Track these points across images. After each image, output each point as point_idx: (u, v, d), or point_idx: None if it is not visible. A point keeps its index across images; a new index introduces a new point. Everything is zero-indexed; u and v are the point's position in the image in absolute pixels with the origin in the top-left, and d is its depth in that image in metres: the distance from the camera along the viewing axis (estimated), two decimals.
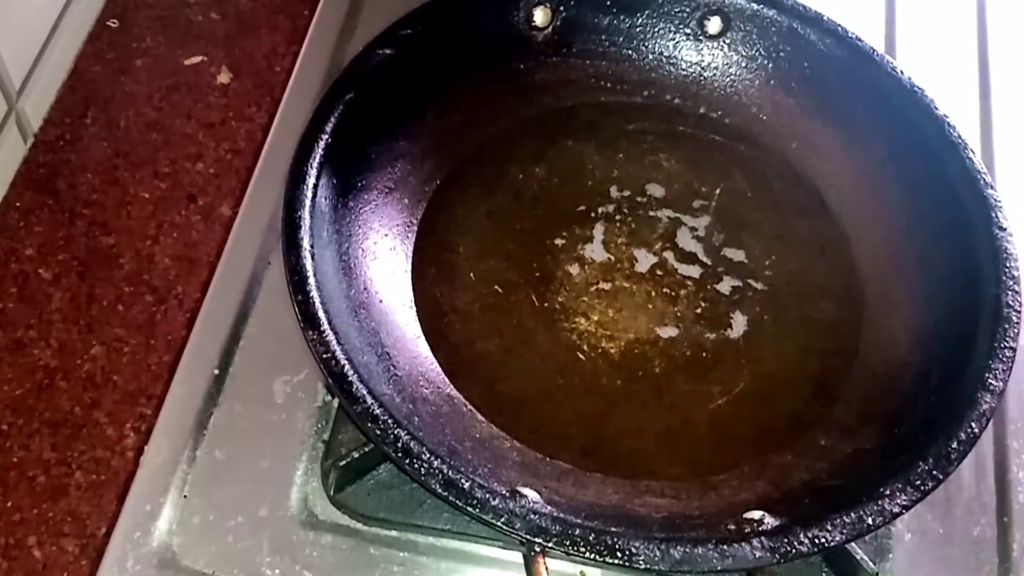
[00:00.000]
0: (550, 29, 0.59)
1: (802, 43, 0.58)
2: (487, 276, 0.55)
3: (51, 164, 0.98)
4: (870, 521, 0.42)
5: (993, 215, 0.51)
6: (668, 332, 0.54)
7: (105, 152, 0.99)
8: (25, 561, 0.79)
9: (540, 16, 0.58)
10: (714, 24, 0.59)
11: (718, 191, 0.58)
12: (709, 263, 0.56)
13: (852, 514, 0.43)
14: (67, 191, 0.96)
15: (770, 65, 0.59)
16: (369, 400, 0.44)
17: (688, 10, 0.59)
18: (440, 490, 0.42)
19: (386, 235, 0.54)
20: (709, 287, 0.55)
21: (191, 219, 0.96)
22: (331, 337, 0.45)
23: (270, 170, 0.60)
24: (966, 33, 0.70)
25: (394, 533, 0.49)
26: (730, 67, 0.60)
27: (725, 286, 0.55)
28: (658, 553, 0.41)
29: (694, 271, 0.56)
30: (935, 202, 0.54)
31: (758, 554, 0.41)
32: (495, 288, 0.55)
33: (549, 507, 0.43)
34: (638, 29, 0.59)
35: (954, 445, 0.44)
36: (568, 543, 0.41)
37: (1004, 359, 0.47)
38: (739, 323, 0.54)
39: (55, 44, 1.00)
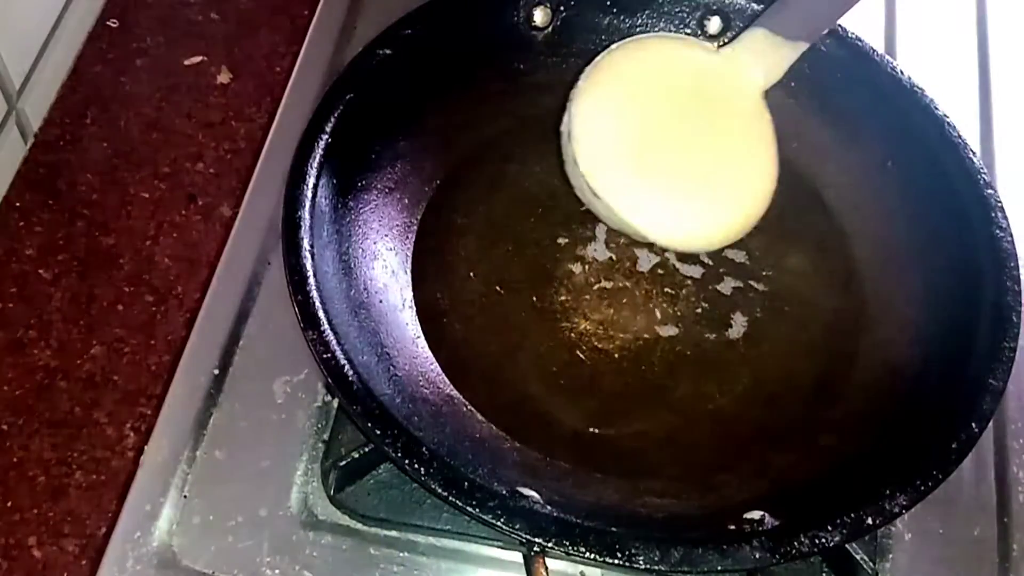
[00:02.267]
0: (550, 29, 0.59)
1: None
2: (487, 276, 0.55)
3: (51, 164, 0.98)
4: (870, 521, 0.42)
5: (993, 215, 0.51)
6: (669, 332, 0.54)
7: (105, 152, 0.99)
8: (25, 561, 0.79)
9: (540, 16, 0.58)
10: (714, 24, 0.59)
11: None
12: (710, 263, 0.56)
13: (852, 514, 0.43)
14: (67, 191, 0.96)
15: None
16: (369, 400, 0.44)
17: (688, 10, 0.59)
18: (440, 490, 0.42)
19: (386, 235, 0.54)
20: (710, 287, 0.55)
21: (191, 219, 0.96)
22: (331, 337, 0.45)
23: (270, 170, 0.60)
24: (966, 33, 0.70)
25: (394, 533, 0.49)
26: None
27: (726, 286, 0.55)
28: (658, 553, 0.41)
29: (695, 271, 0.56)
30: (935, 202, 0.54)
31: (758, 554, 0.42)
32: (495, 288, 0.55)
33: (549, 507, 0.43)
34: (638, 29, 0.59)
35: (954, 445, 0.45)
36: (568, 543, 0.41)
37: (1004, 359, 0.47)
38: (739, 323, 0.54)
39: (55, 44, 1.00)
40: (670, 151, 0.51)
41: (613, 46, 0.51)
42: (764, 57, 0.52)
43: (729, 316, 0.54)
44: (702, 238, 0.51)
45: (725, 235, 0.51)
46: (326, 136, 0.51)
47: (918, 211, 0.54)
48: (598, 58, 0.51)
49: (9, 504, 0.81)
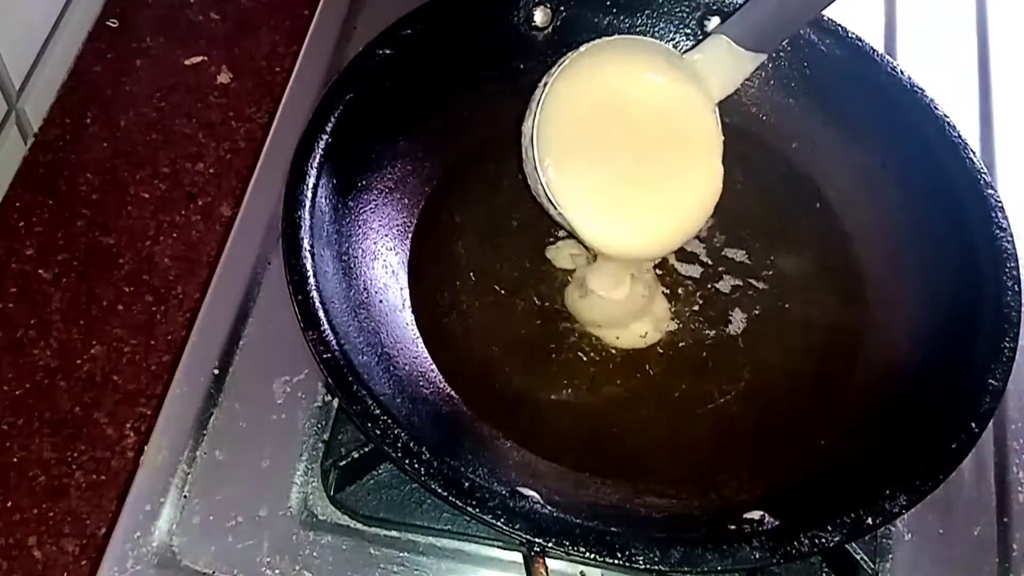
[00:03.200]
0: (550, 29, 0.59)
1: (802, 43, 0.57)
2: (487, 276, 0.55)
3: (51, 164, 0.98)
4: (870, 521, 0.42)
5: (993, 215, 0.51)
6: (669, 330, 0.54)
7: (105, 152, 0.99)
8: (25, 561, 0.79)
9: (540, 16, 0.58)
10: (714, 24, 0.59)
11: None
12: (710, 263, 0.56)
13: (852, 514, 0.43)
14: (67, 191, 0.96)
15: (770, 65, 0.59)
16: (369, 400, 0.44)
17: (688, 10, 0.59)
18: (440, 490, 0.42)
19: (386, 235, 0.54)
20: (709, 286, 0.55)
21: (191, 219, 0.96)
22: (331, 337, 0.45)
23: (270, 170, 0.60)
24: (966, 33, 0.70)
25: (394, 533, 0.49)
26: None
27: (725, 285, 0.55)
28: (658, 553, 0.41)
29: (695, 271, 0.56)
30: (935, 202, 0.54)
31: (758, 554, 0.41)
32: (495, 288, 0.55)
33: (549, 507, 0.43)
34: (638, 29, 0.59)
35: (954, 445, 0.45)
36: (568, 543, 0.41)
37: (1004, 359, 0.47)
38: (739, 323, 0.54)
39: (55, 44, 1.00)
40: (621, 162, 0.52)
41: (582, 47, 0.51)
42: (724, 68, 0.52)
43: (729, 315, 0.54)
44: (641, 250, 0.53)
45: (661, 248, 0.53)
46: (326, 136, 0.51)
47: (918, 211, 0.54)
48: (563, 60, 0.51)
49: (9, 504, 0.81)
